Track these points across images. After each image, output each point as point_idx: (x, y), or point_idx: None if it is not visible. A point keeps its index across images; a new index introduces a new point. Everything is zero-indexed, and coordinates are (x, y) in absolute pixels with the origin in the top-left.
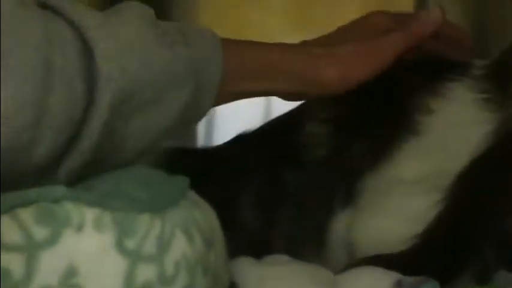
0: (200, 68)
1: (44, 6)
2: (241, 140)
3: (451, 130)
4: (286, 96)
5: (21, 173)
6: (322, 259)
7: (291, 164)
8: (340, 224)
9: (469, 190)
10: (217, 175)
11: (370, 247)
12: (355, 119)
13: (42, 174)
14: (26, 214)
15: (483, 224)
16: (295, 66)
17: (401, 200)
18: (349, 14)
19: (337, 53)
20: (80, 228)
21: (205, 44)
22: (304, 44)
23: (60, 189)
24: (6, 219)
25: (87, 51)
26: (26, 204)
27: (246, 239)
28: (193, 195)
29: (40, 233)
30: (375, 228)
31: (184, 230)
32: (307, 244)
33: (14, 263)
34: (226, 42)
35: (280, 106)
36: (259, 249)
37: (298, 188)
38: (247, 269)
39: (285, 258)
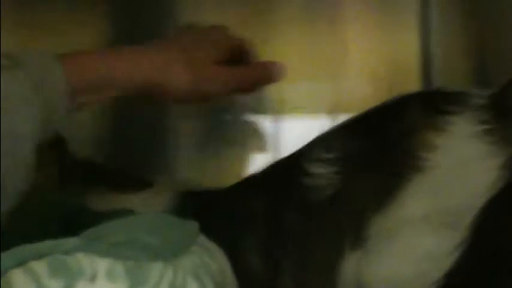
0: (42, 88)
1: None
2: (247, 183)
3: (456, 166)
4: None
5: None
6: None
7: (296, 207)
8: (349, 266)
9: (489, 232)
10: (222, 221)
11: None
12: (358, 158)
13: None
14: (40, 267)
15: (505, 268)
16: (135, 75)
17: (410, 240)
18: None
19: (188, 65)
20: (93, 278)
21: (43, 65)
22: (147, 48)
23: (72, 241)
24: (20, 273)
25: None
26: (39, 256)
27: (254, 287)
28: (203, 239)
29: (54, 285)
30: (385, 269)
31: (195, 276)
32: (317, 287)
33: None
34: (66, 58)
35: None
36: None
37: (304, 232)
38: None
39: None
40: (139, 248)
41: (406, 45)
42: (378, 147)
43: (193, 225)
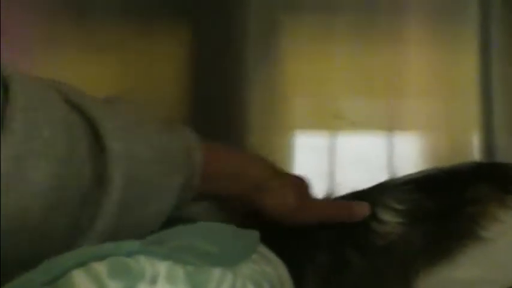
0: (189, 154)
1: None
2: None
3: None
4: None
5: (46, 245)
6: None
7: (358, 247)
8: None
9: None
10: (285, 245)
11: None
12: (422, 214)
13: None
14: (101, 268)
15: None
16: (258, 175)
17: None
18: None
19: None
20: (153, 281)
21: (188, 134)
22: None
23: (133, 244)
24: (80, 273)
25: (94, 132)
26: (100, 257)
27: None
28: (264, 249)
29: (114, 286)
30: None
31: (255, 282)
32: None
33: None
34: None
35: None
36: None
37: (359, 271)
38: None
39: None
40: (199, 254)
41: (465, 65)
42: (443, 207)
43: (254, 235)
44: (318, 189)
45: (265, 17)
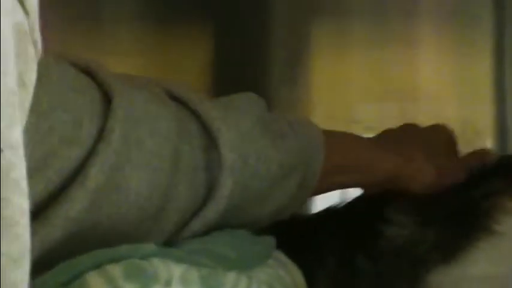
0: (306, 160)
1: (169, 94)
2: (325, 216)
3: None
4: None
5: None
6: None
7: (366, 250)
8: None
9: None
10: (296, 251)
11: None
12: (436, 212)
13: None
14: (115, 270)
15: None
16: (387, 165)
17: None
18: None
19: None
20: (167, 284)
21: (310, 137)
22: (396, 140)
23: (148, 246)
24: (95, 275)
25: (210, 141)
26: (115, 260)
27: None
28: (279, 254)
29: None
30: None
31: (269, 287)
32: None
33: None
34: (326, 136)
35: None
36: None
37: (372, 276)
38: None
39: None
40: (214, 257)
41: (479, 69)
42: (455, 203)
43: (269, 240)
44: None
45: (286, 22)
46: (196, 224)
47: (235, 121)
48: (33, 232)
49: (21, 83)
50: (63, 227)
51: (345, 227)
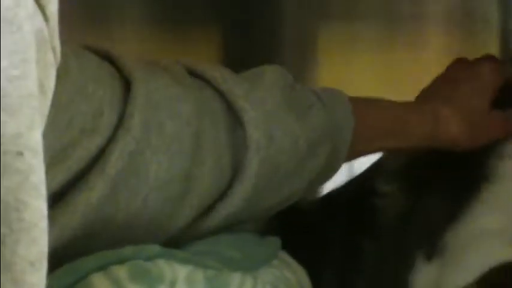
0: (335, 131)
1: (192, 73)
2: (324, 202)
3: None
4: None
5: (162, 236)
6: None
7: (368, 231)
8: (425, 277)
9: None
10: (300, 240)
11: None
12: (425, 172)
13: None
14: (120, 271)
15: None
16: (423, 128)
17: (487, 253)
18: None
19: (466, 116)
20: (172, 285)
21: (339, 107)
22: (427, 101)
23: (154, 248)
24: (100, 276)
25: (235, 120)
26: (120, 261)
27: None
28: (284, 255)
29: None
30: (462, 282)
31: (275, 287)
32: None
33: None
34: (355, 104)
35: None
36: None
37: (376, 253)
38: None
39: None
40: (220, 258)
41: None
42: (446, 160)
43: (275, 241)
44: None
45: (295, 25)
46: (223, 209)
47: (260, 99)
48: (53, 220)
49: (41, 89)
50: (83, 214)
51: (343, 208)
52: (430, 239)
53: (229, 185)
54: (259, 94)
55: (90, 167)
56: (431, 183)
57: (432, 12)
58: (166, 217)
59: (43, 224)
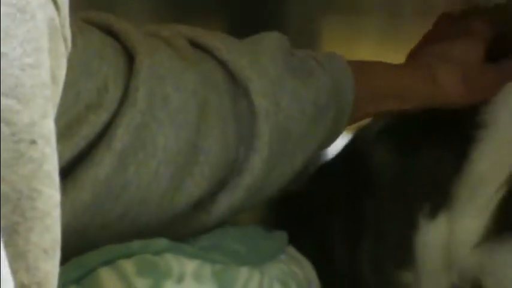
0: (337, 94)
1: (194, 44)
2: (323, 172)
3: None
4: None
5: (173, 211)
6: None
7: (368, 193)
8: (431, 239)
9: None
10: (306, 211)
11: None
12: (417, 129)
13: (195, 212)
14: (128, 265)
15: None
16: (420, 89)
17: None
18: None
19: (462, 73)
20: (180, 279)
21: (338, 70)
22: (421, 60)
23: (161, 242)
24: (108, 271)
25: (240, 89)
26: (127, 255)
27: (337, 279)
28: (292, 250)
29: (142, 284)
30: (474, 228)
31: (282, 282)
32: (392, 262)
33: None
34: (354, 66)
35: None
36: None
37: (378, 214)
38: None
39: None
40: (227, 253)
41: None
42: (438, 114)
43: (281, 235)
44: None
45: (299, 19)
46: (243, 180)
47: (264, 67)
48: (63, 194)
49: (53, 79)
50: (93, 190)
51: (343, 178)
52: (433, 194)
53: (245, 157)
54: (262, 62)
55: (96, 143)
56: (426, 139)
57: (436, 7)
58: (176, 191)
59: (56, 212)
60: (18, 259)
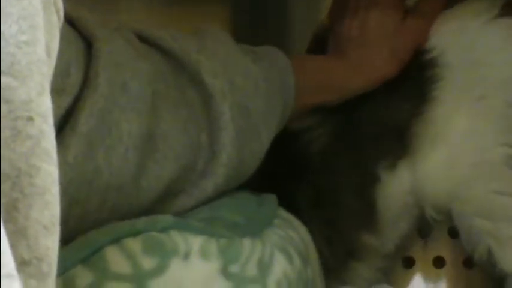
0: (281, 81)
1: (140, 38)
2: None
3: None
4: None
5: (146, 197)
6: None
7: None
8: (393, 190)
9: None
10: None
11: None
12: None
13: (174, 197)
14: (134, 244)
15: None
16: (351, 79)
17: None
18: None
19: (387, 47)
20: (186, 256)
21: (279, 62)
22: (345, 49)
23: (167, 219)
24: (114, 249)
25: (190, 76)
26: (133, 234)
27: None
28: (283, 212)
29: (148, 262)
30: (443, 162)
31: (282, 249)
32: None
33: None
34: (292, 59)
35: None
36: None
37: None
38: None
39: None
40: (228, 225)
41: None
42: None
43: (271, 199)
44: None
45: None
46: (217, 164)
47: (213, 49)
48: None
49: (47, 52)
50: (64, 173)
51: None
52: (391, 145)
53: (214, 139)
54: (209, 45)
55: (62, 127)
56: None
57: None
58: (143, 175)
59: (55, 188)
60: (18, 235)
